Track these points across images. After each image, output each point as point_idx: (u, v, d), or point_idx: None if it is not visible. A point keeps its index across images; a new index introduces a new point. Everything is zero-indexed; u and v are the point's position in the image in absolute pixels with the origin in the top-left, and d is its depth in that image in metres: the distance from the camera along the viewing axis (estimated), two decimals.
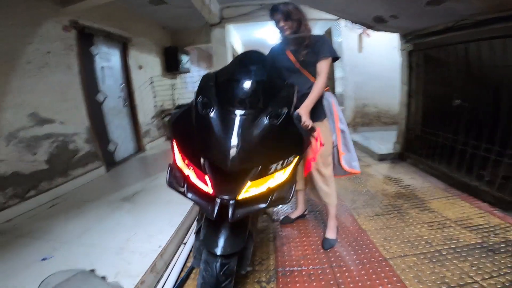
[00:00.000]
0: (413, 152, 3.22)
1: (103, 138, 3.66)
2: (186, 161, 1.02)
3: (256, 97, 0.94)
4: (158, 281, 1.53)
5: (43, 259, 1.67)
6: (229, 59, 5.10)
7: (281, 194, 1.05)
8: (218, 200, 0.92)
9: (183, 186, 1.03)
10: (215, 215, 0.92)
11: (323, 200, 1.80)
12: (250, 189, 0.96)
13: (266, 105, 0.98)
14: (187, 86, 6.32)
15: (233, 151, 0.84)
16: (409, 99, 3.30)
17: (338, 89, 5.20)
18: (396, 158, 3.50)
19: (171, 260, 1.71)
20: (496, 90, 2.18)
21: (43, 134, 2.69)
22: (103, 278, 1.39)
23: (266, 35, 7.53)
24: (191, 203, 2.26)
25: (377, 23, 2.68)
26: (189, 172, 1.01)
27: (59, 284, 1.35)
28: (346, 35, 4.66)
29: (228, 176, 0.90)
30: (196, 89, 1.08)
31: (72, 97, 3.09)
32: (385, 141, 3.94)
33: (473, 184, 2.29)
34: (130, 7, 4.27)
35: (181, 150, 1.04)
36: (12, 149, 2.40)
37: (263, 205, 1.01)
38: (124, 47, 4.30)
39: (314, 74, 1.63)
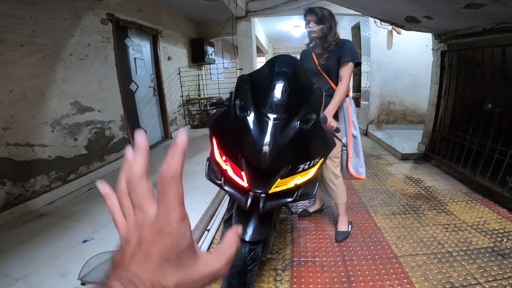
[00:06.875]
0: (438, 154, 3.16)
1: (134, 125, 3.90)
2: (224, 157, 1.13)
3: (288, 103, 1.02)
4: None
5: (84, 241, 1.82)
6: (254, 52, 5.14)
7: (305, 191, 1.16)
8: (252, 193, 1.03)
9: (220, 179, 1.15)
10: (248, 206, 1.04)
11: (331, 198, 1.89)
12: (279, 185, 1.06)
13: (297, 109, 1.06)
14: (211, 77, 6.45)
15: (266, 152, 0.93)
16: (438, 99, 3.21)
17: (363, 84, 5.11)
18: (420, 158, 3.45)
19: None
20: None
21: (84, 121, 2.94)
22: None
23: (290, 28, 7.45)
24: (215, 192, 2.43)
25: (409, 23, 2.61)
26: (227, 167, 1.12)
27: (99, 265, 1.49)
28: (375, 30, 4.52)
29: (261, 172, 1.00)
30: (233, 89, 1.18)
31: (109, 86, 3.31)
32: (410, 140, 3.87)
33: (496, 189, 2.25)
34: (159, 0, 4.42)
35: (220, 147, 1.15)
36: (57, 134, 2.65)
37: (289, 199, 1.12)
38: (154, 39, 4.49)
39: (332, 78, 1.69)
